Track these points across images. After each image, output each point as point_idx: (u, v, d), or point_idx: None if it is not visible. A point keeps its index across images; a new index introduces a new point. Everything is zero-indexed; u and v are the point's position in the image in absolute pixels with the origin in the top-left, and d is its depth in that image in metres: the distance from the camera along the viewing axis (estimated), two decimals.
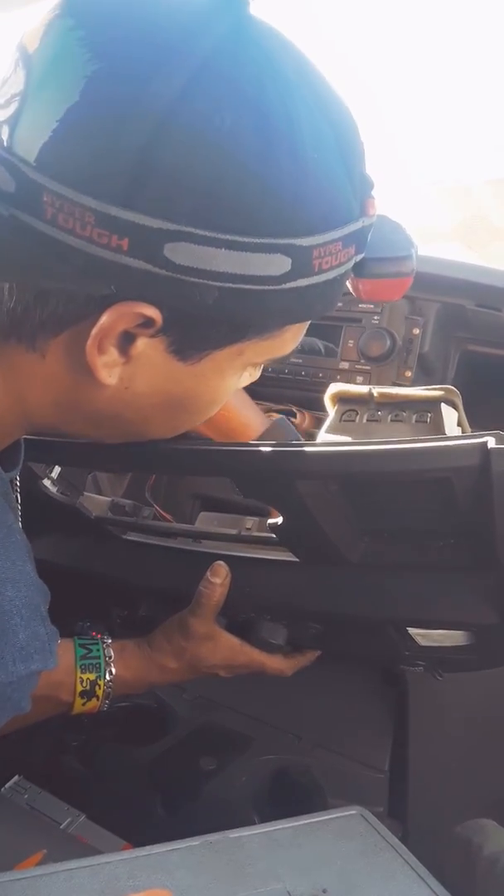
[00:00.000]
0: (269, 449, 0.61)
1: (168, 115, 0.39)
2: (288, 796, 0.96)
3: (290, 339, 0.51)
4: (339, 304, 1.08)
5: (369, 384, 0.98)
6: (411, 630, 0.75)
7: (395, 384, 0.97)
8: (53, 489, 0.81)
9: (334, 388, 0.70)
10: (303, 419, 1.04)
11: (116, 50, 0.40)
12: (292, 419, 1.05)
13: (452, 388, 0.66)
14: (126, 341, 0.46)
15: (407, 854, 0.68)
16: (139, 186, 0.40)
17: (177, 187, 0.40)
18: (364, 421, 0.67)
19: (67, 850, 0.77)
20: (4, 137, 0.41)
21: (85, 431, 0.56)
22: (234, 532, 0.79)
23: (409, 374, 0.97)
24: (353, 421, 0.67)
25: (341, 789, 0.93)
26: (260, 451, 0.61)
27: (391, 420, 0.66)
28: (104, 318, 0.44)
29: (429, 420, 0.65)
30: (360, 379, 0.99)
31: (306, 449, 0.60)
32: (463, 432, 0.68)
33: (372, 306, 0.98)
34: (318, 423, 1.04)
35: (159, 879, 0.62)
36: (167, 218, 0.40)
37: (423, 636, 0.75)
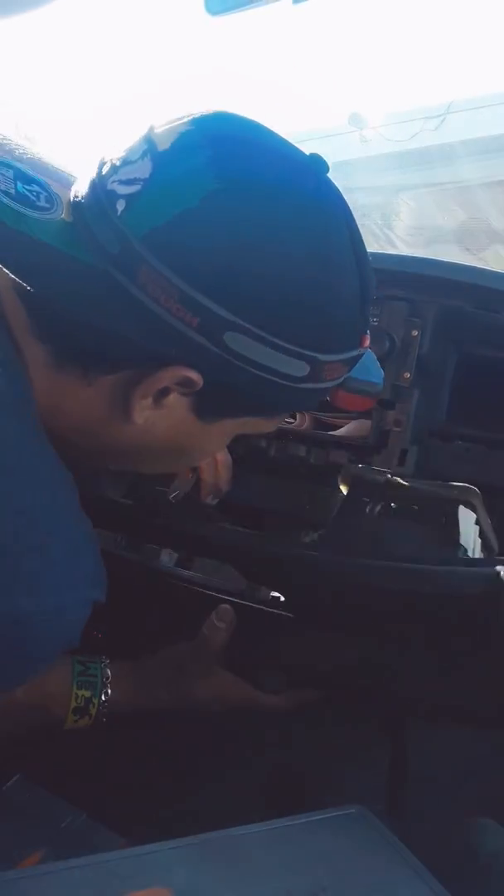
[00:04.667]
0: (271, 548, 0.61)
1: (263, 238, 0.51)
2: (287, 794, 0.96)
3: (279, 421, 0.64)
4: None
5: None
6: None
7: (394, 385, 0.97)
8: None
9: (350, 469, 0.69)
10: (303, 420, 1.04)
11: (237, 179, 0.51)
12: (292, 419, 1.05)
13: (472, 488, 0.66)
14: (162, 393, 0.56)
15: (406, 853, 0.68)
16: (223, 284, 0.50)
17: (250, 293, 0.51)
18: (375, 512, 0.67)
19: (67, 848, 0.77)
20: (119, 209, 0.51)
21: (88, 455, 0.62)
22: (238, 590, 0.80)
23: (407, 375, 0.97)
24: (364, 510, 0.67)
25: (341, 787, 0.94)
26: (260, 547, 0.62)
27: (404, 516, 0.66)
28: (157, 374, 0.54)
29: (444, 522, 0.65)
30: None
31: (307, 554, 0.62)
32: (482, 532, 0.68)
33: (370, 307, 0.98)
34: (318, 424, 1.04)
35: (159, 878, 0.62)
36: (235, 313, 0.51)
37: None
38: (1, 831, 0.81)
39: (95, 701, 0.76)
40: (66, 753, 0.97)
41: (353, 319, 0.57)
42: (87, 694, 0.76)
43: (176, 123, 0.52)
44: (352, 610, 0.65)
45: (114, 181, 0.52)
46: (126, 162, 0.52)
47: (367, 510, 0.67)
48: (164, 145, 0.51)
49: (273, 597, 0.71)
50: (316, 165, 0.54)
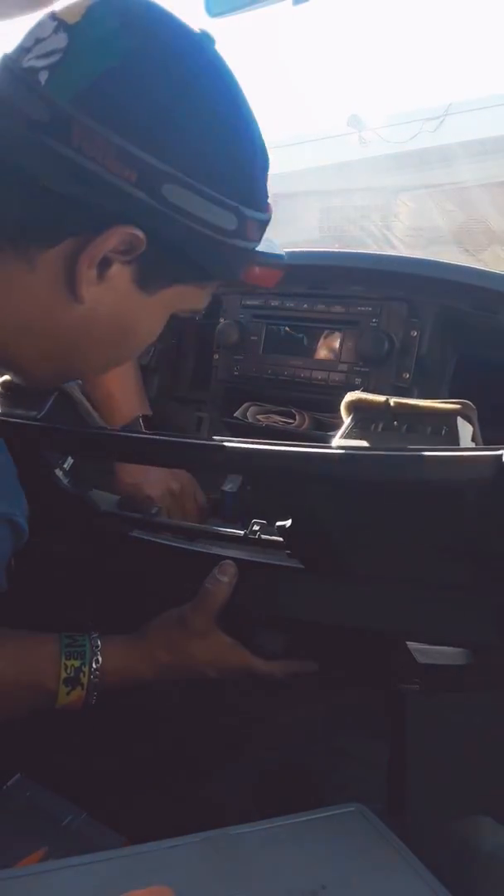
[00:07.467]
0: (281, 449, 0.61)
1: (185, 91, 0.54)
2: (287, 793, 0.97)
3: (207, 294, 0.65)
4: (340, 308, 1.09)
5: (367, 387, 0.99)
6: (410, 645, 0.75)
7: (393, 386, 0.98)
8: (65, 480, 0.81)
9: (351, 396, 0.69)
10: (302, 420, 1.04)
11: (151, 37, 0.54)
12: (291, 420, 1.05)
13: (469, 402, 0.66)
14: (104, 266, 0.57)
15: (405, 851, 0.68)
16: (156, 136, 0.53)
17: (183, 144, 0.54)
18: (379, 430, 0.67)
19: (68, 847, 0.78)
20: (43, 80, 0.53)
21: (30, 361, 0.64)
22: (240, 533, 0.78)
23: (407, 376, 0.97)
24: (368, 429, 0.67)
25: (340, 786, 0.94)
26: (273, 450, 0.62)
27: (406, 431, 0.66)
28: (103, 235, 0.55)
29: (444, 433, 0.65)
30: (358, 380, 1.00)
31: (319, 451, 0.61)
32: (477, 446, 0.68)
33: (370, 309, 0.99)
34: (317, 424, 1.05)
35: (160, 876, 0.62)
36: (171, 164, 0.54)
37: (422, 653, 0.75)
38: (1, 831, 0.81)
39: (86, 669, 0.75)
40: (66, 752, 0.98)
41: (264, 178, 0.60)
42: (77, 663, 0.75)
43: (79, 1, 0.55)
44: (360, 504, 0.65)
45: (28, 59, 0.54)
46: (38, 40, 0.55)
47: (372, 428, 0.67)
48: (74, 19, 0.54)
49: (279, 526, 0.69)
50: (208, 36, 0.57)
